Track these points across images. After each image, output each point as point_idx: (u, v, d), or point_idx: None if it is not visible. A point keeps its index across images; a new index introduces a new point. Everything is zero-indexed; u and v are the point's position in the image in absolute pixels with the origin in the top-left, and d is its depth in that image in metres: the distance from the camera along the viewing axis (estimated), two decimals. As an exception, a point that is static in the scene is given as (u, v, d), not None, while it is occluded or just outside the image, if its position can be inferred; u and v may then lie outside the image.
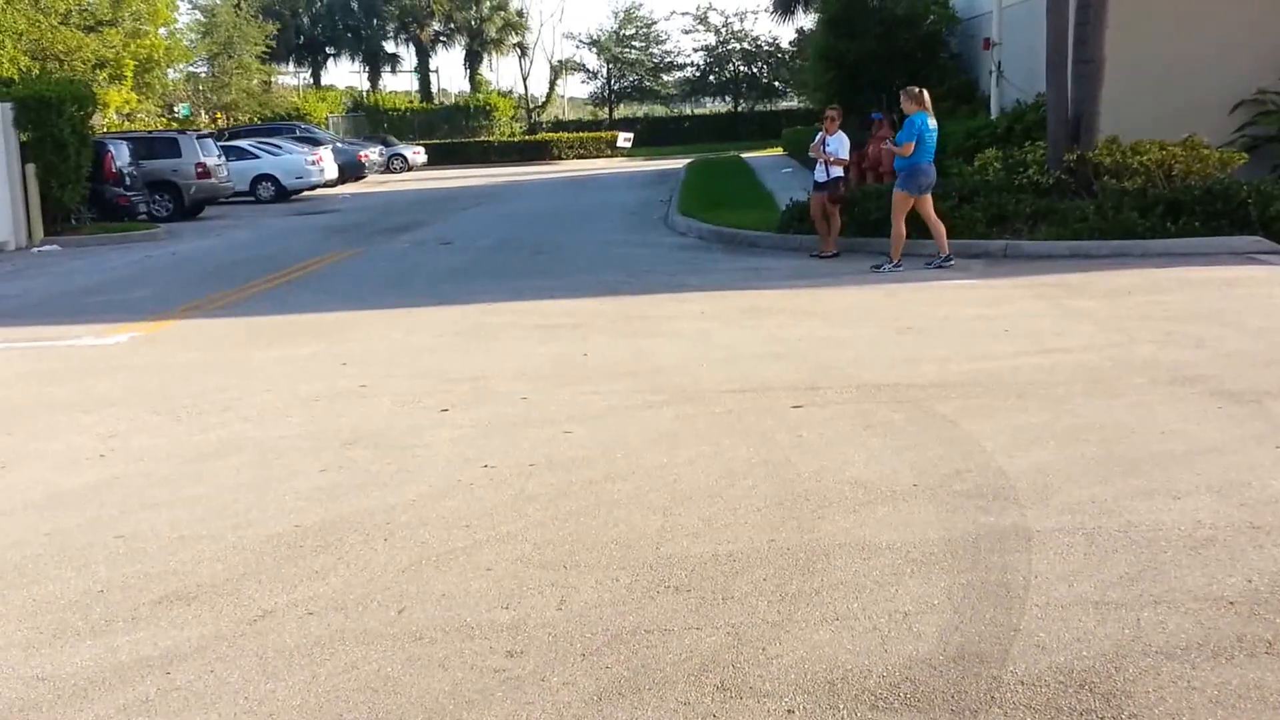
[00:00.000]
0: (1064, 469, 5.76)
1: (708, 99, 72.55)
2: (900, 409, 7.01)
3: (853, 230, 14.73)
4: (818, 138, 14.60)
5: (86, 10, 32.52)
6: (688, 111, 72.22)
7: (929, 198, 13.25)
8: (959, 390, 7.41)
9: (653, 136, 62.23)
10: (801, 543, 4.95)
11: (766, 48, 66.18)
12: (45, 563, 5.14)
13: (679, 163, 41.87)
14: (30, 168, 21.05)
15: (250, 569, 4.95)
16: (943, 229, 13.28)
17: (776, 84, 67.07)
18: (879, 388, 7.58)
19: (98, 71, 31.11)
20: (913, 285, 12.04)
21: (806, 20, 37.62)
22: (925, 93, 13.34)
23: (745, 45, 67.08)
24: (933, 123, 13.14)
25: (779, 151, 43.50)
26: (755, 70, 67.67)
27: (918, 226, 13.40)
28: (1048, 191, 14.73)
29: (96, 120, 26.54)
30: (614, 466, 6.15)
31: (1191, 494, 5.33)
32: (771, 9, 38.83)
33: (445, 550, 5.06)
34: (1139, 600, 4.25)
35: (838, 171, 14.36)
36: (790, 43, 58.52)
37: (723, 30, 67.18)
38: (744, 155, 43.91)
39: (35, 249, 20.59)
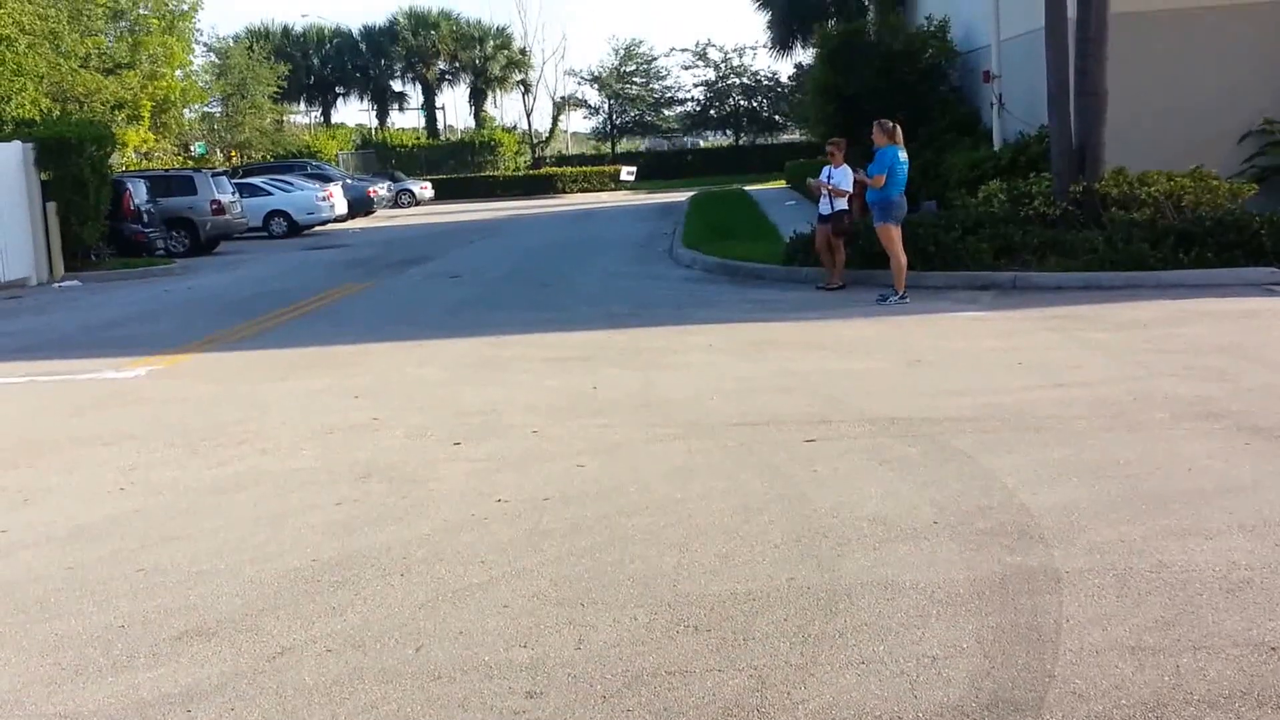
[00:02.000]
0: (1090, 506, 5.68)
1: (709, 133, 72.87)
2: (916, 443, 6.99)
3: (858, 262, 14.76)
4: (824, 171, 14.65)
5: (105, 54, 32.89)
6: (690, 145, 72.51)
7: (898, 230, 13.36)
8: (975, 424, 7.39)
9: (656, 170, 62.47)
10: (822, 581, 4.91)
11: (766, 82, 66.49)
12: (67, 597, 5.15)
13: (682, 196, 41.98)
14: (51, 206, 21.32)
15: (269, 604, 4.95)
16: (904, 265, 13.27)
17: (777, 118, 67.32)
18: (892, 421, 7.57)
19: (116, 112, 31.45)
20: (921, 317, 12.04)
21: (805, 55, 37.83)
22: (898, 127, 13.49)
23: (745, 80, 67.37)
24: (904, 155, 13.29)
25: (782, 184, 43.60)
26: (756, 104, 67.93)
27: (882, 259, 13.50)
28: (1055, 223, 14.75)
29: (115, 159, 26.80)
30: (628, 501, 6.15)
31: (1224, 533, 5.22)
32: (769, 45, 39.00)
33: (461, 586, 5.05)
34: (1177, 645, 4.13)
35: (841, 204, 14.40)
36: (789, 77, 58.86)
37: (722, 65, 67.55)
38: (747, 188, 44.01)
39: (56, 285, 20.78)
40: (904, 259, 13.28)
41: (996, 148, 19.59)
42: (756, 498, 6.09)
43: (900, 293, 13.17)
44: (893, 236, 13.26)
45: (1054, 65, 15.10)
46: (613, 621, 4.60)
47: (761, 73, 66.47)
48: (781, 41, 37.50)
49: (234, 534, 5.91)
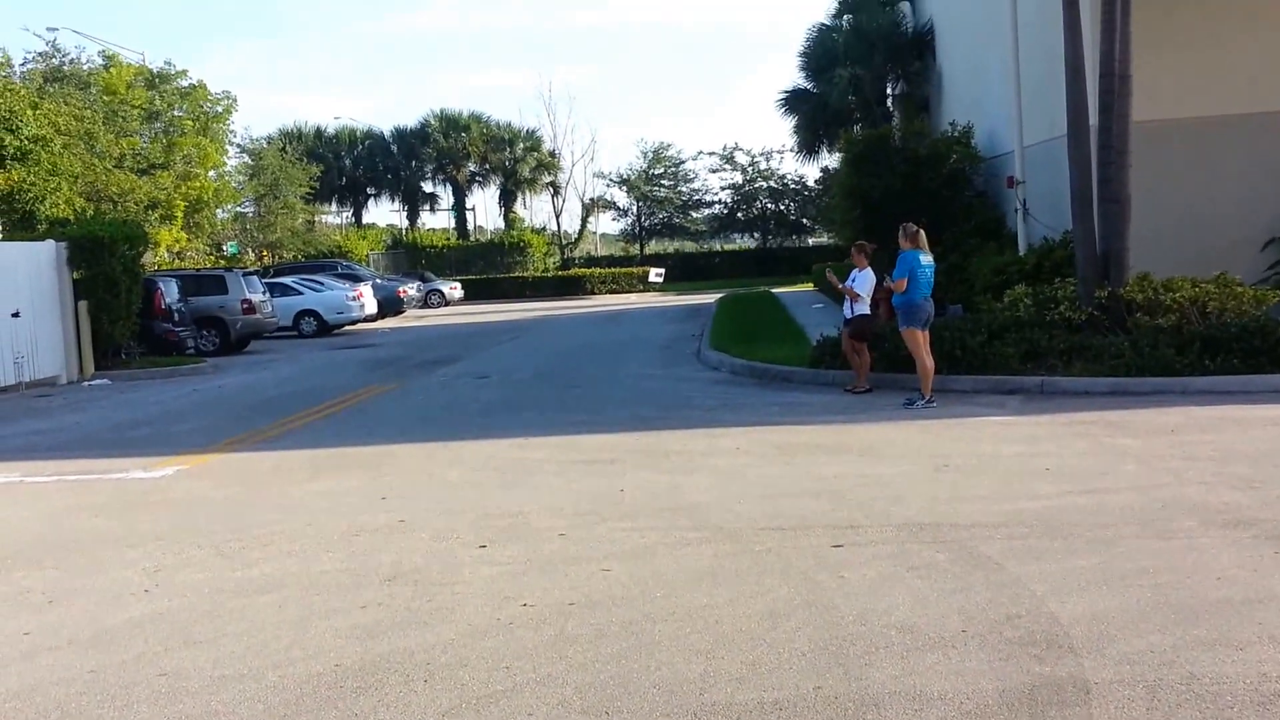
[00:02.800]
0: (1119, 616, 5.63)
1: (737, 235, 73.41)
2: (943, 549, 6.95)
3: (884, 366, 14.78)
4: (850, 275, 14.74)
5: (140, 154, 33.58)
6: (717, 247, 73.06)
7: (923, 334, 13.45)
8: (1003, 530, 7.34)
9: (684, 272, 62.95)
10: (849, 690, 4.86)
11: (793, 185, 67.11)
12: (88, 702, 5.13)
13: (710, 298, 42.25)
14: (83, 304, 21.58)
15: (291, 711, 4.93)
16: (931, 369, 13.35)
17: (804, 221, 67.84)
18: (920, 527, 7.53)
19: (150, 212, 32.01)
20: (948, 421, 12.01)
21: (831, 159, 38.25)
22: (921, 231, 13.62)
23: (772, 183, 68.05)
24: (926, 259, 13.42)
25: (809, 287, 43.86)
26: (783, 207, 68.53)
27: (908, 362, 13.58)
28: (1080, 328, 14.76)
29: (148, 258, 27.24)
30: (654, 606, 6.11)
31: (1254, 644, 5.16)
32: (796, 149, 39.50)
33: (486, 693, 5.02)
34: (1207, 760, 4.06)
35: (862, 308, 14.49)
36: (816, 181, 59.40)
37: (749, 169, 68.25)
38: (774, 290, 44.28)
39: (86, 383, 20.98)
40: (929, 363, 13.31)
41: (1021, 252, 19.69)
42: (783, 604, 6.05)
43: (927, 396, 13.17)
44: (917, 340, 13.31)
45: (1077, 172, 15.24)
46: (638, 731, 4.55)
47: (788, 176, 67.15)
48: (808, 146, 37.94)
49: (258, 638, 5.89)
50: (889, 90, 34.63)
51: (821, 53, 34.44)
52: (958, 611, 5.79)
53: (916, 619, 5.70)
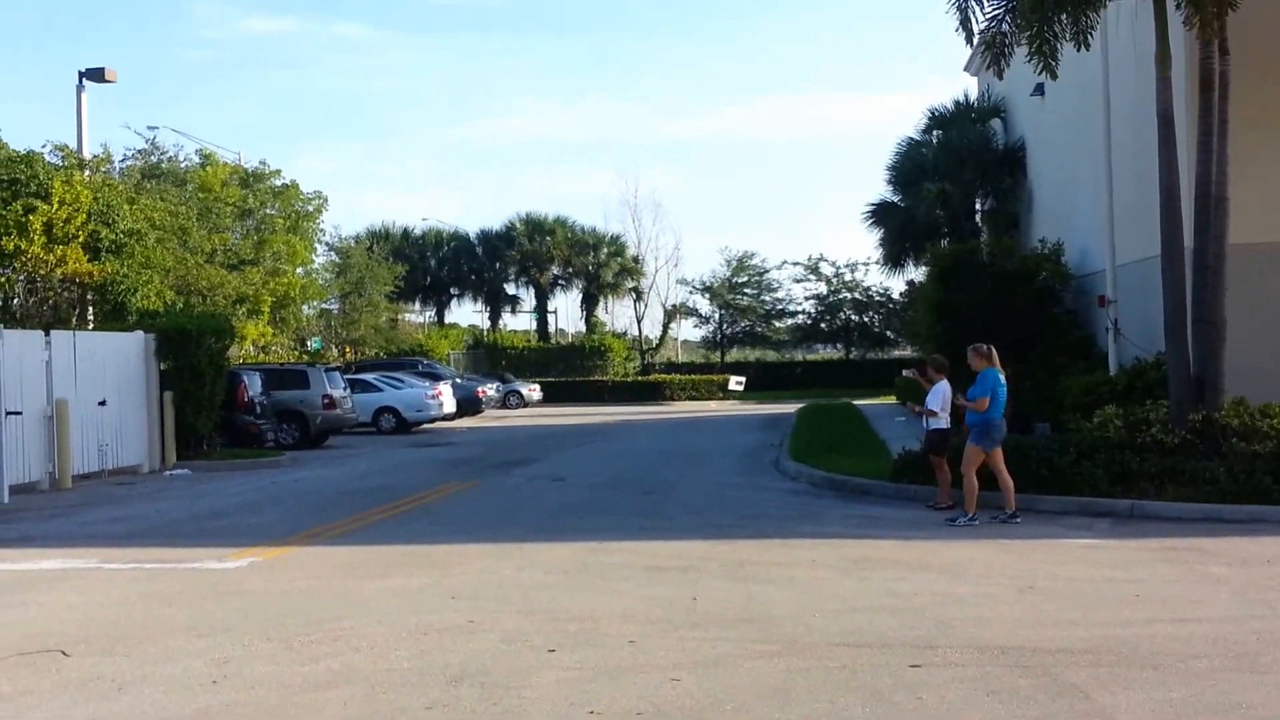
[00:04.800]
0: (1209, 750, 5.40)
1: (819, 345, 73.19)
2: (1026, 675, 6.70)
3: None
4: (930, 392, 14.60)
5: (231, 250, 34.42)
6: (799, 357, 72.86)
7: (999, 451, 13.33)
8: (1089, 657, 7.07)
9: (764, 381, 62.74)
10: (926, 816, 4.66)
11: (878, 297, 66.96)
12: (149, 793, 5.08)
13: (790, 408, 42.02)
14: (168, 395, 22.01)
15: (352, 811, 4.83)
16: (1011, 484, 13.25)
17: (888, 333, 67.54)
18: (1002, 650, 7.28)
19: (237, 306, 32.71)
20: (1033, 542, 11.70)
21: (916, 273, 38.09)
22: (994, 350, 13.57)
23: (856, 295, 67.99)
24: (1004, 377, 13.38)
25: (891, 399, 43.42)
26: (866, 319, 68.35)
27: (993, 479, 13.39)
28: (1173, 451, 14.39)
29: (233, 351, 27.77)
30: (723, 719, 5.95)
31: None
32: (881, 261, 39.46)
33: (550, 803, 4.89)
34: None
35: (937, 423, 14.33)
36: (901, 293, 59.12)
37: (834, 280, 68.30)
38: (856, 402, 43.93)
39: (168, 472, 21.30)
40: (976, 484, 13.19)
41: (1112, 372, 19.35)
42: (858, 725, 5.85)
43: (971, 514, 13.01)
44: (974, 460, 13.21)
45: (1171, 293, 15.03)
46: None
47: (873, 288, 66.99)
48: (893, 259, 37.84)
49: (322, 734, 5.81)
50: (977, 205, 34.54)
51: (910, 167, 34.53)
52: (1042, 741, 5.55)
53: (998, 747, 5.48)
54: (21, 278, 23.84)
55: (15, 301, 24.19)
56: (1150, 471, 13.96)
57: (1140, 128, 17.78)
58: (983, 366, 13.35)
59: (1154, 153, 15.48)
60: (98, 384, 20.44)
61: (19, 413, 17.94)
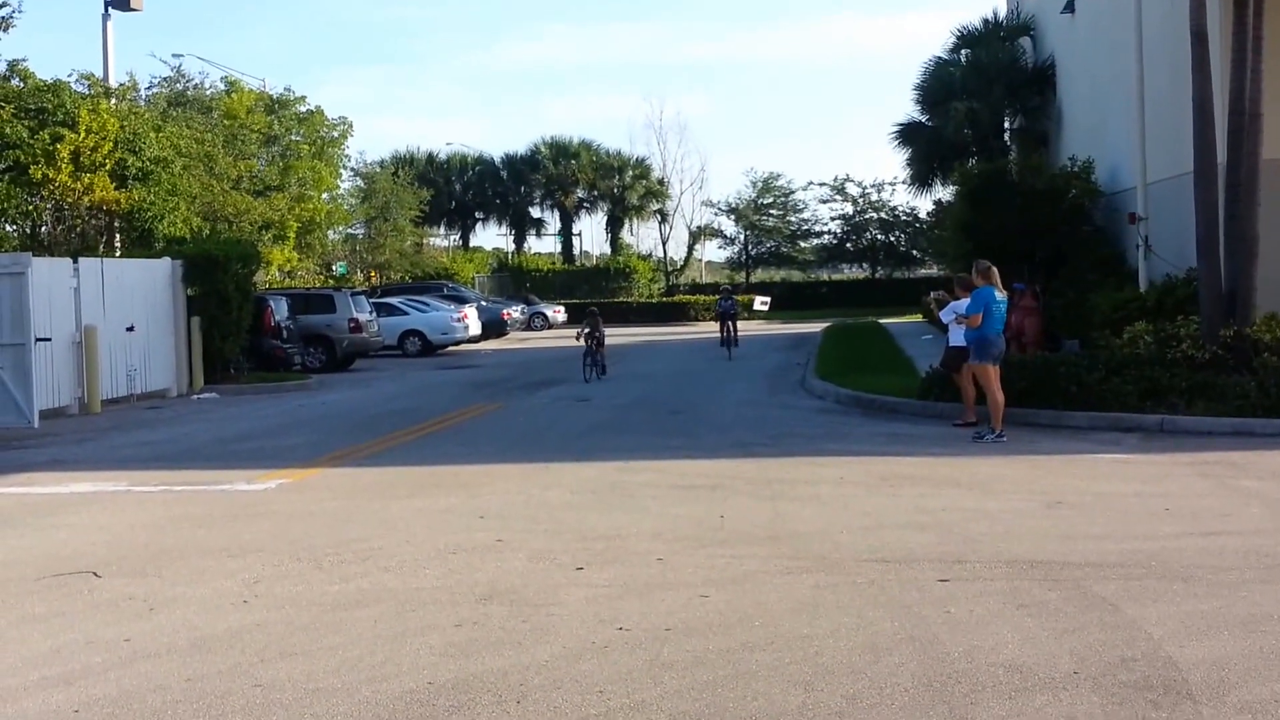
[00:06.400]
0: (1241, 662, 5.37)
1: (845, 265, 72.76)
2: (1055, 588, 6.68)
3: (1006, 399, 14.36)
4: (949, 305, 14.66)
5: (257, 176, 34.39)
6: (825, 277, 72.49)
7: (996, 369, 13.31)
8: (1119, 570, 7.04)
9: (790, 301, 62.47)
10: (954, 728, 4.66)
11: (904, 217, 66.33)
12: (184, 710, 5.13)
13: (816, 327, 41.84)
14: (195, 320, 22.14)
15: (383, 726, 4.87)
16: (1002, 402, 13.19)
17: (915, 252, 67.03)
18: (1031, 564, 7.26)
19: (263, 232, 32.73)
20: (1062, 458, 11.65)
21: (944, 192, 37.55)
22: (993, 268, 13.59)
23: (883, 214, 67.41)
24: (1001, 295, 13.41)
25: (918, 318, 43.18)
26: (893, 239, 67.84)
27: (1027, 395, 13.37)
28: (1203, 367, 14.26)
29: (259, 276, 27.85)
30: (752, 635, 5.96)
31: (1383, 694, 4.88)
32: (908, 181, 38.94)
33: (579, 717, 4.92)
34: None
35: (955, 340, 14.29)
36: (928, 213, 58.54)
37: (860, 200, 67.71)
38: (882, 321, 43.74)
39: (195, 396, 21.48)
40: (1000, 397, 13.16)
41: (1142, 289, 19.13)
42: (886, 637, 5.85)
43: (998, 430, 12.96)
44: (990, 375, 13.14)
45: (1203, 209, 14.86)
46: (733, 764, 4.41)
47: (900, 208, 66.34)
48: (921, 178, 37.32)
49: (352, 652, 5.86)
50: (1006, 124, 34.04)
51: (938, 86, 33.94)
52: (1069, 652, 5.54)
53: (1025, 658, 5.47)
54: (49, 206, 23.90)
55: (44, 230, 24.28)
56: (1180, 387, 13.86)
57: (1172, 44, 17.41)
58: (980, 284, 13.41)
59: (1186, 70, 15.21)
60: (125, 310, 20.53)
61: (48, 339, 18.04)
